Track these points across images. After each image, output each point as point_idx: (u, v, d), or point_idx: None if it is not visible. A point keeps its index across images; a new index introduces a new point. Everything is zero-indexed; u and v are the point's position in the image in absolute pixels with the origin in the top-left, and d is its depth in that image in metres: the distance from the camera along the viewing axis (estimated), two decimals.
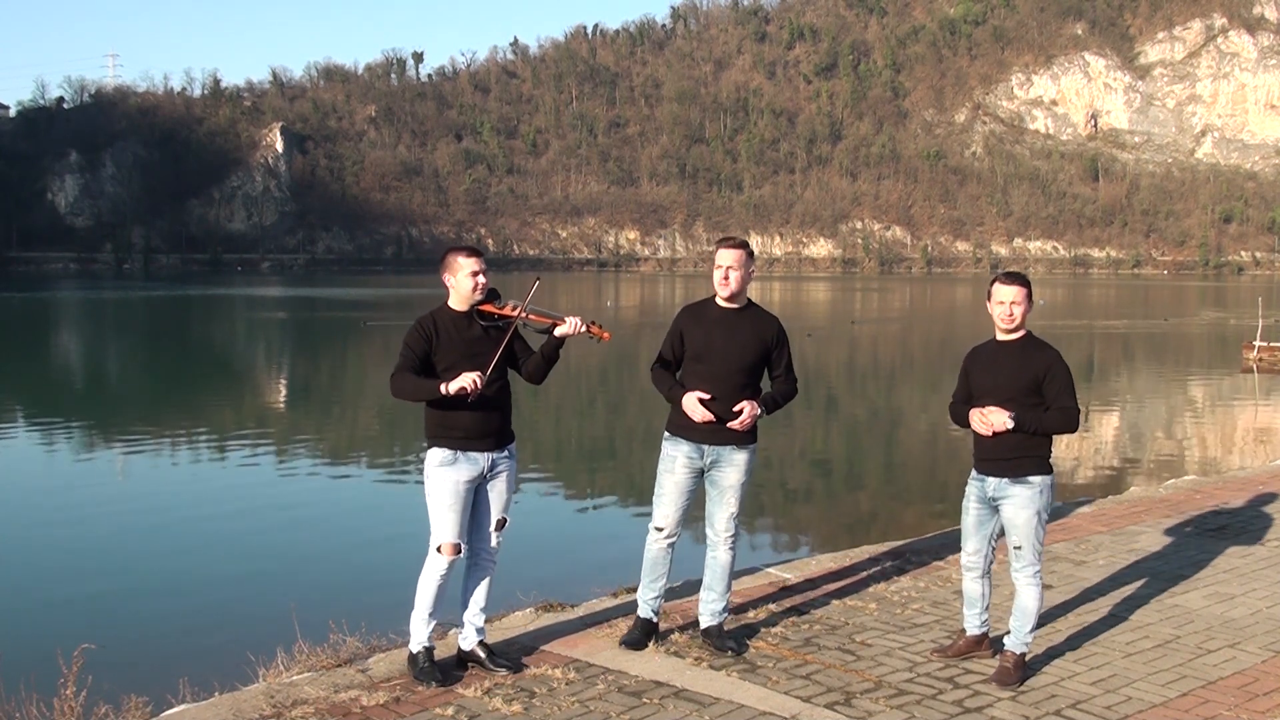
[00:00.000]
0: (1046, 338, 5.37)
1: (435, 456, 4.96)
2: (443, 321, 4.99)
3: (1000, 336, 5.19)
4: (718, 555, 5.39)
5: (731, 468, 5.28)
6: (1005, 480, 5.08)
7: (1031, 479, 5.06)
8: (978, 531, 5.27)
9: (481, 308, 5.03)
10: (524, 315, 5.03)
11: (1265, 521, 8.24)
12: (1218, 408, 24.89)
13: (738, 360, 5.23)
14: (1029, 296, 5.12)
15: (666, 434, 5.38)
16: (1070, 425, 5.06)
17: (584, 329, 5.09)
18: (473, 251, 5.06)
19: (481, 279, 5.00)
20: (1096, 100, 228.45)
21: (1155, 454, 18.06)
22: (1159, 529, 7.96)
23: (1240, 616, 5.99)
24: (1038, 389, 5.04)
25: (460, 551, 4.98)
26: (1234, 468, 14.81)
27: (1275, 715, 4.69)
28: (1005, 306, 5.08)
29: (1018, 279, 5.18)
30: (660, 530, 5.36)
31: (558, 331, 5.07)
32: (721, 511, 5.34)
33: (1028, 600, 5.09)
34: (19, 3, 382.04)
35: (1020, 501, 5.07)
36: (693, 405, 5.19)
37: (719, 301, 5.31)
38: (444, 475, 4.94)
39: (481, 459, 4.99)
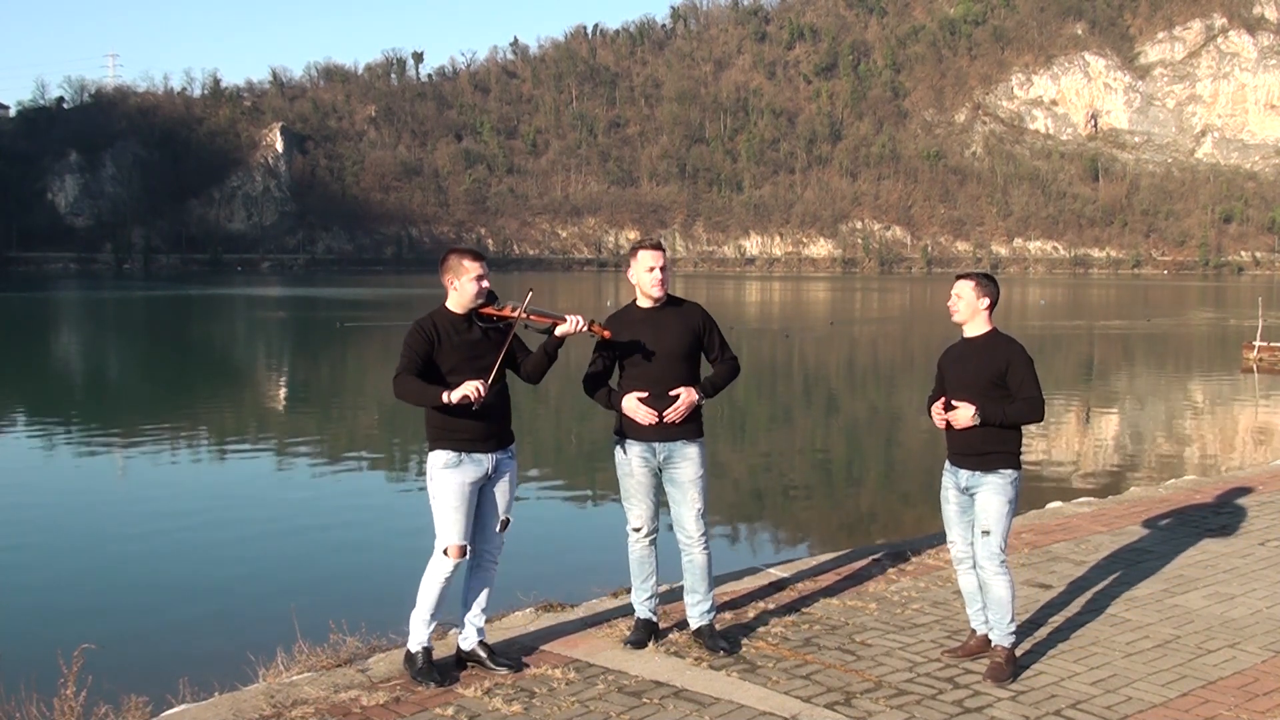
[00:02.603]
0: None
1: (439, 459, 4.96)
2: (442, 324, 4.98)
3: (965, 334, 5.36)
4: (694, 558, 5.39)
5: (686, 462, 5.31)
6: (978, 472, 5.21)
7: (1004, 471, 5.19)
8: (960, 520, 5.37)
9: (481, 310, 5.02)
10: (525, 316, 5.03)
11: (1265, 522, 8.24)
12: (1217, 408, 24.88)
13: (671, 354, 5.29)
14: (978, 291, 5.28)
15: (616, 438, 5.41)
16: (1036, 414, 5.20)
17: (585, 328, 5.09)
18: (477, 255, 5.06)
19: (485, 283, 5.01)
20: (1096, 100, 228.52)
21: (1155, 454, 18.05)
22: (1159, 529, 7.97)
23: (1240, 616, 5.99)
24: (1002, 382, 5.19)
25: (466, 554, 4.98)
26: (1234, 468, 14.81)
27: (1275, 715, 4.69)
28: (951, 298, 5.36)
29: (970, 274, 5.42)
30: (638, 530, 5.39)
31: (559, 331, 5.07)
32: (688, 511, 5.34)
33: (999, 590, 5.15)
34: (19, 3, 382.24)
35: (994, 489, 5.18)
36: (634, 407, 5.24)
37: (639, 304, 5.40)
38: (449, 477, 4.93)
39: (486, 460, 5.00)
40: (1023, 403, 5.16)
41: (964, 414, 5.15)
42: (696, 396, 5.29)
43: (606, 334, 5.23)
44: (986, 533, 5.17)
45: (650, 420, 5.23)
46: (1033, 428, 5.40)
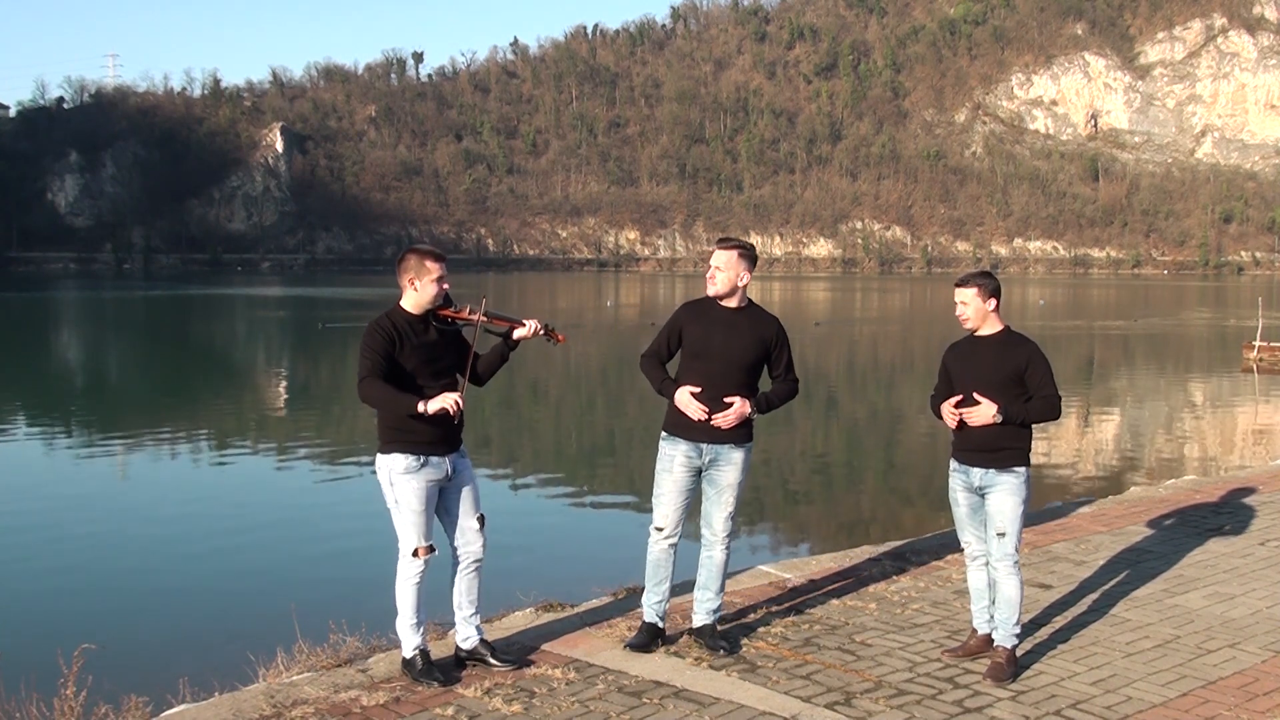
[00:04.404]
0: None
1: (399, 463, 4.89)
2: (400, 324, 4.90)
3: (977, 332, 5.31)
4: (713, 555, 5.39)
5: (730, 466, 5.29)
6: (992, 470, 5.18)
7: (1016, 469, 5.17)
8: (972, 520, 5.34)
9: (439, 311, 4.98)
10: (484, 319, 5.01)
11: (1265, 522, 8.24)
12: (1218, 408, 24.88)
13: (738, 359, 5.24)
14: (983, 295, 5.24)
15: (664, 434, 5.38)
16: (1054, 412, 5.19)
17: (541, 332, 5.10)
18: (438, 256, 4.97)
19: (445, 284, 4.96)
20: (1096, 100, 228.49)
21: (1155, 454, 18.05)
22: (1159, 529, 7.97)
23: (1240, 616, 5.99)
24: (1019, 380, 5.16)
25: (434, 550, 4.97)
26: (1234, 468, 14.81)
27: (1275, 715, 4.69)
28: (958, 307, 5.31)
29: (967, 280, 5.35)
30: (661, 531, 5.35)
31: (516, 334, 5.08)
32: (719, 511, 5.34)
33: (1010, 590, 5.14)
34: (19, 3, 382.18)
35: (1008, 488, 5.15)
36: (686, 401, 5.20)
37: (721, 302, 5.33)
38: (411, 482, 4.89)
39: (444, 463, 4.96)
40: (1041, 401, 5.14)
41: (986, 411, 5.10)
42: (749, 410, 5.24)
43: (562, 339, 5.26)
44: (1002, 534, 5.15)
45: (700, 416, 5.19)
46: (1033, 426, 5.37)
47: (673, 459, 5.30)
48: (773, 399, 5.37)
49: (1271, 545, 7.54)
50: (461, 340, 5.04)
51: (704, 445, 5.26)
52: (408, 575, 4.95)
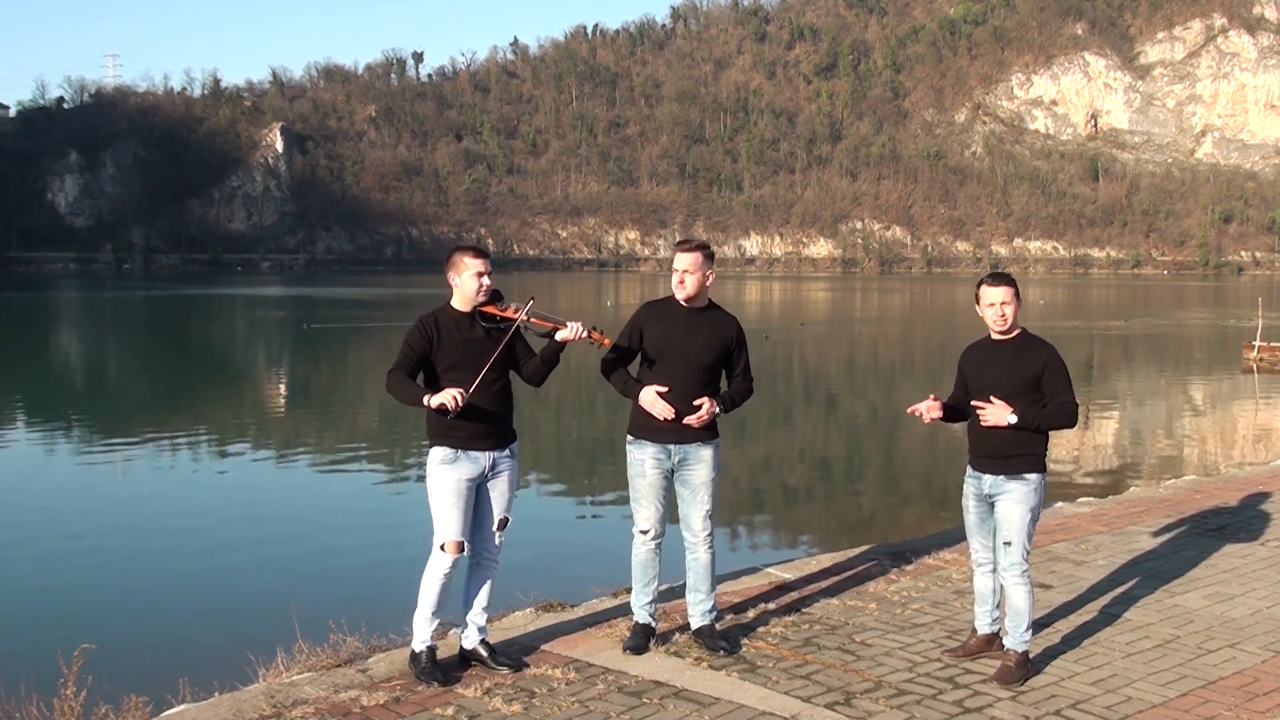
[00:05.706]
0: (1046, 339, 5.36)
1: (437, 455, 5.00)
2: (445, 321, 5.02)
3: (995, 336, 5.21)
4: (698, 556, 5.38)
5: (700, 465, 5.29)
6: (1002, 477, 5.11)
7: (1028, 476, 5.09)
8: (981, 528, 5.29)
9: (484, 309, 5.05)
10: (526, 318, 5.05)
11: (1265, 521, 8.24)
12: (1218, 408, 24.88)
13: (698, 359, 5.24)
14: (1017, 295, 5.14)
15: (630, 437, 5.37)
16: (1070, 420, 5.09)
17: (585, 335, 5.09)
18: (479, 252, 5.10)
19: (486, 280, 5.04)
20: (1096, 100, 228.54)
21: (1155, 454, 18.05)
22: (1159, 529, 7.96)
23: (1240, 616, 5.99)
24: (1037, 385, 5.07)
25: (463, 549, 4.99)
26: (1234, 468, 14.81)
27: (1275, 715, 4.69)
28: (996, 308, 5.11)
29: (1004, 279, 5.21)
30: (645, 533, 5.35)
31: (559, 336, 5.08)
32: (696, 511, 5.33)
33: (1018, 600, 5.09)
34: (19, 3, 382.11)
35: (1016, 497, 5.08)
36: (652, 401, 5.20)
37: (681, 301, 5.33)
38: (446, 473, 4.97)
39: (483, 458, 5.02)
40: (1058, 407, 5.04)
41: (1000, 411, 5.02)
42: (717, 409, 5.26)
43: (607, 341, 5.22)
44: (1008, 543, 5.07)
45: (667, 415, 5.18)
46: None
47: (642, 463, 5.30)
48: (735, 398, 5.38)
49: (1271, 545, 7.54)
50: (512, 338, 5.07)
51: (671, 446, 5.26)
52: (433, 569, 4.99)
